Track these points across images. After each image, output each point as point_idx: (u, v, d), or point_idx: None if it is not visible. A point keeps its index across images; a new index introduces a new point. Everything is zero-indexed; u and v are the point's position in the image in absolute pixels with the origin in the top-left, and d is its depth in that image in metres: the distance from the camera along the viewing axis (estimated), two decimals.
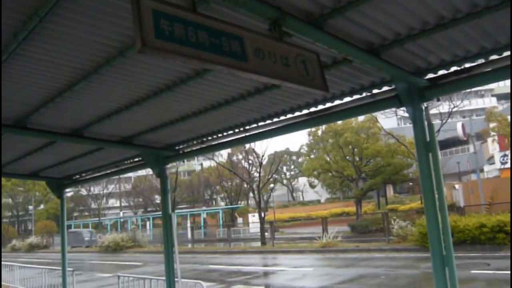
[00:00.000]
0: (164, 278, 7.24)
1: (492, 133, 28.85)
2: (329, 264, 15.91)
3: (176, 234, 7.07)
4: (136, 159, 8.05)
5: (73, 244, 39.59)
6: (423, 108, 4.23)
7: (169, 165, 7.16)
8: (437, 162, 4.16)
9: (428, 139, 4.19)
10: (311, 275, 13.55)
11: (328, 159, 37.97)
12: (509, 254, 13.99)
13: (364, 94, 4.69)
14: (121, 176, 58.02)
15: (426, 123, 4.22)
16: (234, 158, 45.12)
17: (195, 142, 6.73)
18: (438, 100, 4.25)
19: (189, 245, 30.92)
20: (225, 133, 6.18)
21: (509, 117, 26.14)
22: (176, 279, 7.02)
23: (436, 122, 20.55)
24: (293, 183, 70.46)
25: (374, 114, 29.98)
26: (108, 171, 9.14)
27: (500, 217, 15.45)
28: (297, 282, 12.20)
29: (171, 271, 7.08)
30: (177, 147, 7.08)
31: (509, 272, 10.90)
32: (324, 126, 37.92)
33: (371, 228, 25.38)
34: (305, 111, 5.21)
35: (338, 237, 21.35)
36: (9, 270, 14.57)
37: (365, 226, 26.04)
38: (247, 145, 39.63)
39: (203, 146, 6.74)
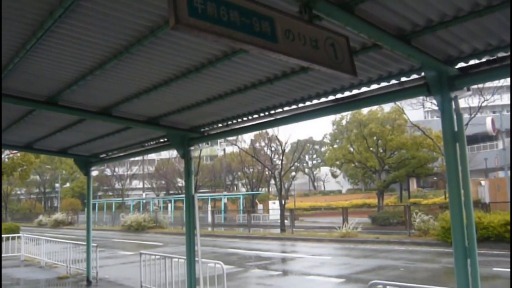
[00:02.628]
0: (184, 257, 7.39)
1: None
2: (348, 254, 15.89)
3: (198, 215, 7.20)
4: (162, 140, 8.20)
5: None
6: (452, 97, 4.17)
7: (193, 147, 7.26)
8: (464, 153, 4.10)
9: (456, 129, 4.13)
10: (329, 264, 13.58)
11: (352, 149, 37.64)
12: None
13: (392, 82, 4.64)
14: (145, 158, 58.99)
15: (454, 113, 4.15)
16: (257, 144, 45.26)
17: (220, 125, 6.80)
18: (468, 90, 4.17)
19: (209, 229, 31.30)
20: (250, 117, 6.22)
21: None
22: (196, 259, 7.16)
23: (465, 116, 20.07)
24: (315, 172, 70.24)
25: (401, 105, 29.48)
26: (134, 151, 9.32)
27: None
28: (315, 270, 12.25)
29: (191, 251, 7.22)
30: (202, 129, 7.16)
31: None
32: (348, 116, 37.58)
33: (392, 220, 25.16)
34: (331, 98, 5.20)
35: (358, 228, 21.25)
36: (35, 244, 15.07)
37: (386, 218, 25.84)
38: (270, 133, 39.71)
39: (228, 129, 6.81)
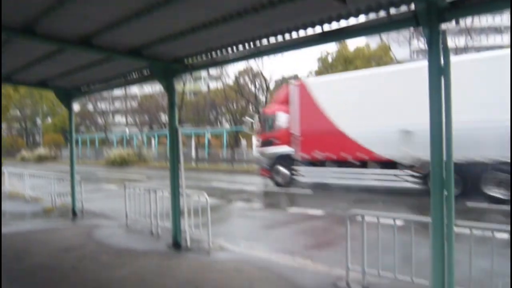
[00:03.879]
0: (169, 191, 7.50)
1: None
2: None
3: (181, 148, 7.22)
4: (144, 72, 8.02)
5: None
6: (441, 31, 4.10)
7: (177, 79, 7.14)
8: (449, 88, 4.09)
9: (442, 63, 4.10)
10: (311, 197, 14.01)
11: None
12: None
13: (381, 14, 4.53)
14: (128, 93, 58.15)
15: (442, 47, 4.10)
16: (241, 80, 44.81)
17: (203, 56, 6.65)
18: (457, 22, 4.10)
19: (193, 164, 31.67)
20: (234, 48, 6.08)
21: None
22: (180, 191, 7.28)
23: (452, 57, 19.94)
24: None
25: (388, 43, 29.18)
26: (116, 83, 9.13)
27: None
28: (296, 202, 12.66)
29: (175, 183, 7.32)
30: (185, 61, 7.02)
31: (505, 206, 11.25)
32: (334, 53, 37.17)
33: None
34: (318, 31, 5.08)
35: None
36: (19, 179, 15.07)
37: None
38: (255, 69, 39.24)
39: (212, 60, 6.67)
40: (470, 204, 11.27)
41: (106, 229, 8.89)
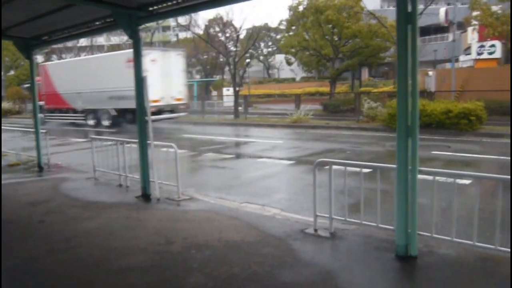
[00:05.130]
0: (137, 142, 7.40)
1: (474, 22, 28.32)
2: (299, 138, 16.52)
3: (148, 98, 7.05)
4: (109, 20, 7.67)
5: None
6: None
7: (142, 27, 6.86)
8: (415, 36, 4.08)
9: (409, 9, 4.06)
10: (280, 147, 14.13)
11: (307, 37, 37.16)
12: (469, 139, 14.80)
13: None
14: (94, 44, 55.92)
15: None
16: (211, 30, 43.64)
17: (169, 2, 6.38)
18: None
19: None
20: None
21: (493, 7, 25.46)
22: (148, 142, 7.19)
23: (420, 7, 19.90)
24: (269, 60, 69.71)
25: None
26: (79, 32, 8.73)
27: (467, 105, 15.96)
28: (266, 153, 12.73)
29: (143, 135, 7.21)
30: (150, 8, 6.72)
31: (467, 154, 11.69)
32: (306, 2, 36.43)
33: (342, 107, 25.97)
34: None
35: (309, 114, 21.88)
36: None
37: (337, 105, 26.60)
38: (225, 18, 38.19)
39: (178, 6, 6.41)
40: (435, 152, 11.63)
41: (73, 183, 8.78)
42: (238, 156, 13.04)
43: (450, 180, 4.50)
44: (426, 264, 4.16)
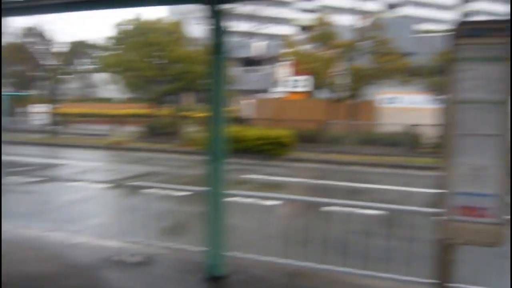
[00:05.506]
0: None
1: (285, 59, 31.68)
2: (118, 160, 15.95)
3: None
4: None
5: None
6: (222, 10, 4.28)
7: None
8: (223, 66, 4.31)
9: (219, 41, 4.28)
10: (98, 169, 13.41)
11: (131, 57, 36.50)
12: (280, 163, 16.26)
13: None
14: None
15: (222, 26, 4.31)
16: (24, 39, 39.53)
17: None
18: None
19: None
20: None
21: (305, 46, 28.93)
22: None
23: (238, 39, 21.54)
24: (91, 77, 66.12)
25: (180, 18, 29.86)
26: None
27: (278, 132, 17.63)
28: (80, 176, 11.91)
29: None
30: None
31: (277, 178, 12.82)
32: (133, 22, 35.98)
33: (166, 130, 26.04)
34: None
35: (130, 136, 21.38)
36: None
37: (160, 128, 26.56)
38: (41, 30, 35.16)
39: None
40: (244, 176, 12.45)
41: None
42: (51, 179, 11.91)
43: (261, 202, 4.86)
44: (234, 283, 4.37)
